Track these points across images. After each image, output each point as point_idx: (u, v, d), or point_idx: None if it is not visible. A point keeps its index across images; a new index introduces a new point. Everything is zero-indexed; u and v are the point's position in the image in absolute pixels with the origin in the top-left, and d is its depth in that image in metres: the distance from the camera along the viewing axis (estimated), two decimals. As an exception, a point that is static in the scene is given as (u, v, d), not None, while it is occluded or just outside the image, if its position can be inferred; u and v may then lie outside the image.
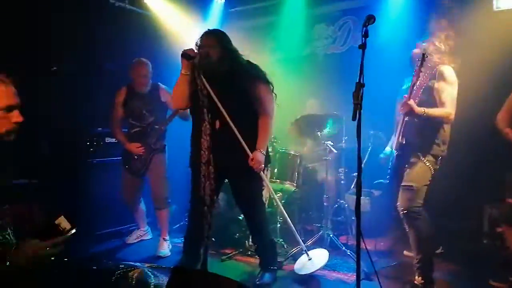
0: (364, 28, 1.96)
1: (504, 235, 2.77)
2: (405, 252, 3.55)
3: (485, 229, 3.55)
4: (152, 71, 3.65)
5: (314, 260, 3.02)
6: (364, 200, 4.14)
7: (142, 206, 3.91)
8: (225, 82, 2.75)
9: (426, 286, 2.71)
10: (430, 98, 2.68)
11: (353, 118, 1.88)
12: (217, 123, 2.74)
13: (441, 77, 2.66)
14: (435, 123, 2.70)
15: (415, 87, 2.63)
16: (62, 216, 1.49)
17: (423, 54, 2.56)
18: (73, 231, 1.50)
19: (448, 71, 2.68)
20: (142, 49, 4.07)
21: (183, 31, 4.67)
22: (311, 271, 2.98)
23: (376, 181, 4.13)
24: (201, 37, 2.79)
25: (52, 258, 1.44)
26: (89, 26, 3.92)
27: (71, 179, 3.70)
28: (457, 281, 3.07)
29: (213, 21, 5.02)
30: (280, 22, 5.12)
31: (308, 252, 3.06)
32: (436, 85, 2.67)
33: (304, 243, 3.56)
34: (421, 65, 2.56)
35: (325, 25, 4.96)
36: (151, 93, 3.61)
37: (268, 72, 2.93)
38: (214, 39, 2.75)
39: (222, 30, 2.96)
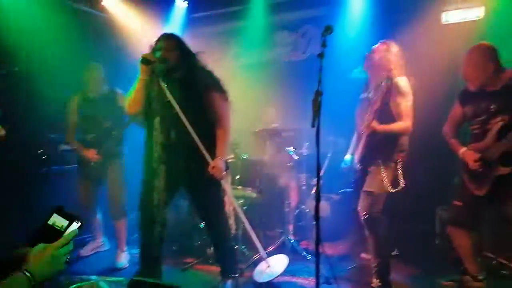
0: (323, 38, 2.01)
1: (451, 235, 2.90)
2: (362, 255, 3.65)
3: (437, 231, 3.75)
4: (109, 76, 3.56)
5: (273, 267, 3.02)
6: (324, 205, 4.23)
7: (99, 216, 3.77)
8: (182, 88, 2.71)
9: (382, 289, 2.80)
10: (388, 110, 2.77)
11: (312, 125, 1.92)
12: (172, 132, 2.68)
13: (397, 90, 2.74)
14: (395, 135, 2.80)
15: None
16: (54, 214, 1.31)
17: (388, 79, 2.65)
18: (76, 225, 1.31)
19: (403, 82, 2.77)
20: (101, 52, 3.95)
21: (143, 35, 4.57)
22: (270, 279, 2.97)
23: (341, 190, 4.23)
24: (158, 40, 2.72)
25: (68, 259, 1.27)
26: (45, 27, 3.76)
27: (22, 189, 3.51)
28: (411, 282, 3.17)
29: (175, 26, 4.95)
30: (243, 28, 5.15)
31: (267, 259, 3.05)
32: (393, 98, 2.75)
33: (266, 249, 3.59)
34: (386, 93, 2.65)
35: (287, 32, 5.05)
36: (107, 98, 3.51)
37: (231, 78, 2.92)
38: (171, 43, 2.70)
39: (180, 35, 2.90)
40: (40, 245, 1.25)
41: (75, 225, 1.32)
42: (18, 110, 3.53)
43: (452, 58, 3.86)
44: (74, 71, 3.57)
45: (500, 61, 2.57)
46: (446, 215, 3.31)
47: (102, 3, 4.45)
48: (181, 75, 2.72)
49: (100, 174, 3.49)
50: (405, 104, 2.74)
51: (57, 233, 1.29)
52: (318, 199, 1.97)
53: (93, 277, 2.24)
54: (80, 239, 3.94)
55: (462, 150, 2.68)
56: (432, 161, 3.80)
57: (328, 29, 2.03)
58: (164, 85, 2.63)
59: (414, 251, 3.65)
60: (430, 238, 3.76)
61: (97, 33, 4.33)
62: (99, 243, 3.87)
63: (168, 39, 2.72)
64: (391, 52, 2.80)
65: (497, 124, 2.48)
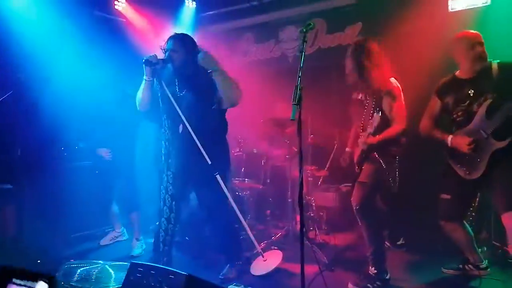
0: (303, 34, 2.10)
1: (445, 230, 2.90)
2: None
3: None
4: (124, 76, 3.77)
5: (269, 261, 3.14)
6: (331, 196, 4.31)
7: (115, 208, 4.01)
8: (189, 86, 2.86)
9: (378, 276, 2.85)
10: (382, 115, 2.75)
11: (292, 118, 2.00)
12: (180, 128, 2.84)
13: (386, 92, 2.74)
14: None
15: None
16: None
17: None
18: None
19: (392, 84, 2.75)
20: (113, 54, 4.16)
21: (156, 36, 4.78)
22: (265, 272, 3.09)
23: (341, 185, 4.29)
24: (166, 41, 2.88)
25: None
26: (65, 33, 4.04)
27: (45, 184, 3.80)
28: (414, 270, 3.21)
29: (185, 25, 5.12)
30: (250, 25, 5.26)
31: (264, 254, 3.17)
32: (384, 102, 2.75)
33: (271, 239, 3.73)
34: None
35: (294, 27, 5.11)
36: (119, 100, 3.70)
37: (241, 74, 3.05)
38: (178, 44, 2.84)
39: (189, 34, 2.99)
40: None
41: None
42: (43, 110, 3.83)
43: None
44: (89, 74, 3.81)
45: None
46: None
47: (116, 7, 4.68)
48: (187, 73, 2.87)
49: (113, 170, 3.73)
50: (397, 106, 2.72)
51: None
52: (301, 187, 2.05)
53: (100, 261, 2.45)
54: (100, 230, 4.23)
55: (450, 137, 2.68)
56: (430, 152, 3.76)
57: (309, 25, 2.11)
58: (165, 85, 2.80)
59: (421, 240, 3.67)
60: (437, 228, 3.75)
61: (112, 36, 4.56)
62: (118, 233, 4.13)
63: (175, 40, 2.87)
64: (372, 53, 2.76)
65: (485, 103, 2.51)
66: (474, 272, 2.91)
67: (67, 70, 3.90)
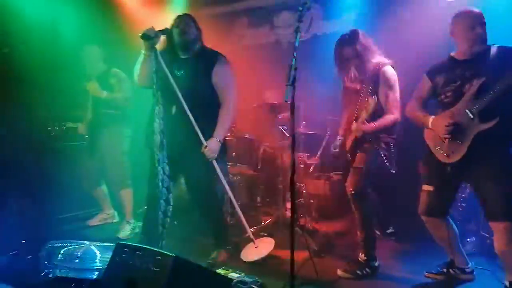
0: (299, 13, 2.04)
1: (427, 226, 2.66)
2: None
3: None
4: (111, 55, 3.71)
5: (260, 248, 3.12)
6: (322, 183, 4.29)
7: (103, 188, 3.93)
8: (190, 65, 2.81)
9: (368, 262, 2.86)
10: (376, 102, 2.72)
11: (285, 99, 1.97)
12: (174, 108, 2.78)
13: (383, 81, 2.72)
14: None
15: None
16: None
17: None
18: None
19: (389, 72, 2.73)
20: (101, 33, 4.07)
21: (146, 16, 4.67)
22: (255, 259, 3.06)
23: (331, 173, 4.27)
24: (176, 17, 2.87)
25: None
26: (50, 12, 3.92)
27: (32, 164, 3.71)
28: (402, 259, 3.20)
29: (178, 8, 5.00)
30: (244, 10, 5.17)
31: (255, 240, 3.14)
32: (380, 90, 2.73)
33: (260, 225, 3.71)
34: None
35: (289, 13, 5.03)
36: (102, 77, 3.66)
37: (234, 59, 3.04)
38: (191, 19, 2.87)
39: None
40: None
41: None
42: (28, 90, 3.72)
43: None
44: (78, 51, 3.72)
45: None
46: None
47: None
48: (195, 50, 2.85)
49: (96, 148, 3.67)
50: (393, 95, 2.73)
51: None
52: (293, 172, 2.01)
53: (85, 242, 2.41)
54: (87, 212, 4.14)
55: (431, 119, 2.52)
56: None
57: (305, 4, 2.06)
58: (162, 61, 2.73)
59: (410, 230, 3.66)
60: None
61: (101, 14, 4.44)
62: (107, 214, 4.04)
63: (186, 16, 2.89)
64: (366, 42, 2.77)
65: (476, 82, 2.33)
66: (460, 277, 2.65)
67: (54, 46, 3.80)
